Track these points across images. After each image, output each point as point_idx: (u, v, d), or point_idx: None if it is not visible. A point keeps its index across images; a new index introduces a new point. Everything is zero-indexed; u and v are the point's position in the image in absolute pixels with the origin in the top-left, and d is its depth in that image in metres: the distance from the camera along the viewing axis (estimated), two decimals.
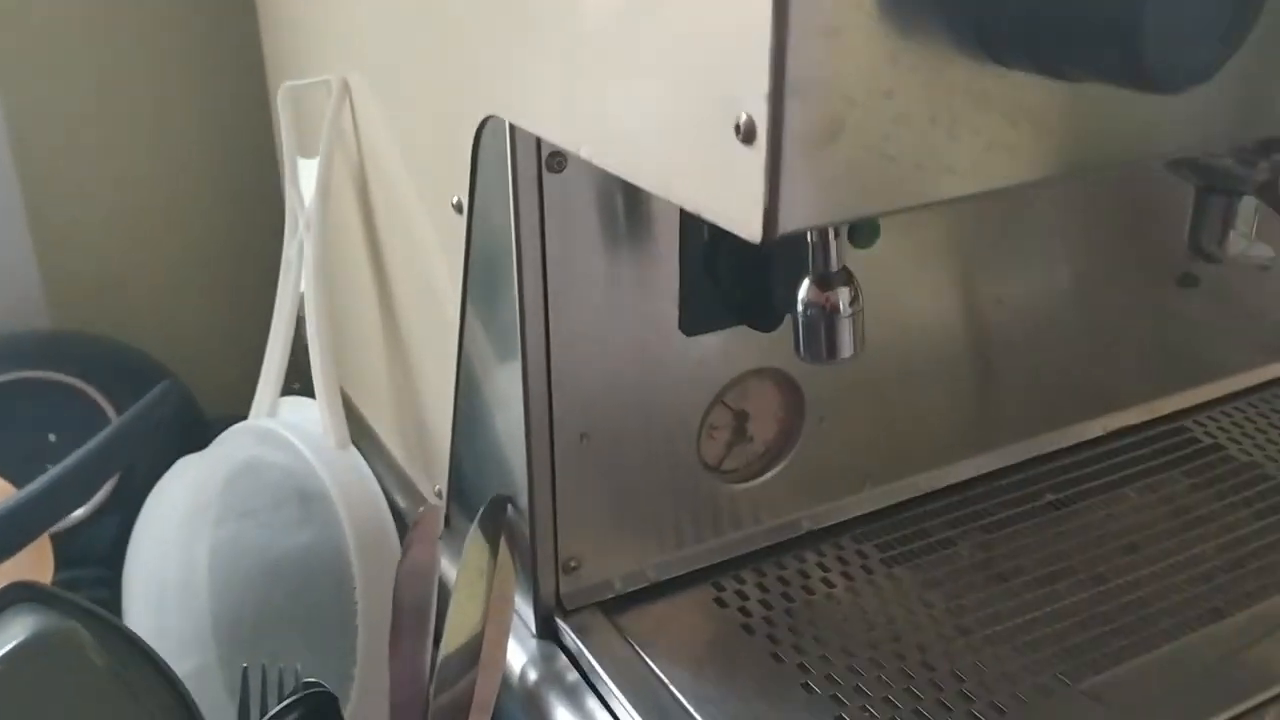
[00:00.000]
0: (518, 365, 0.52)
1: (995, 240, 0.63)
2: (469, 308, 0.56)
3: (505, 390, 0.54)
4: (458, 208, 0.53)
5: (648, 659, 0.55)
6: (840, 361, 0.47)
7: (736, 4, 0.30)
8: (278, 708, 0.49)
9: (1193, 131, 0.37)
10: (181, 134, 0.88)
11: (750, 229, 0.31)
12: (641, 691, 0.53)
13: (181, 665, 0.61)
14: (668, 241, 0.53)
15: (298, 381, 0.72)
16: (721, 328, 0.55)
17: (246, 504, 0.64)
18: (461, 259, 0.55)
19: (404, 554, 0.55)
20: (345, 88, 0.65)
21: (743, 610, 0.58)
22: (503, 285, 0.51)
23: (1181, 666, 0.54)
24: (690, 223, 0.52)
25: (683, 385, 0.56)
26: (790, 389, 0.60)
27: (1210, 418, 0.76)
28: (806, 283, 0.46)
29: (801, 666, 0.54)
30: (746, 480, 0.61)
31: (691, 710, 0.52)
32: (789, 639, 0.56)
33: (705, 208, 0.33)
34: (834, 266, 0.45)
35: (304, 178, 0.68)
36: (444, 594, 0.55)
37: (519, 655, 0.57)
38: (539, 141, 0.47)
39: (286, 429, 0.67)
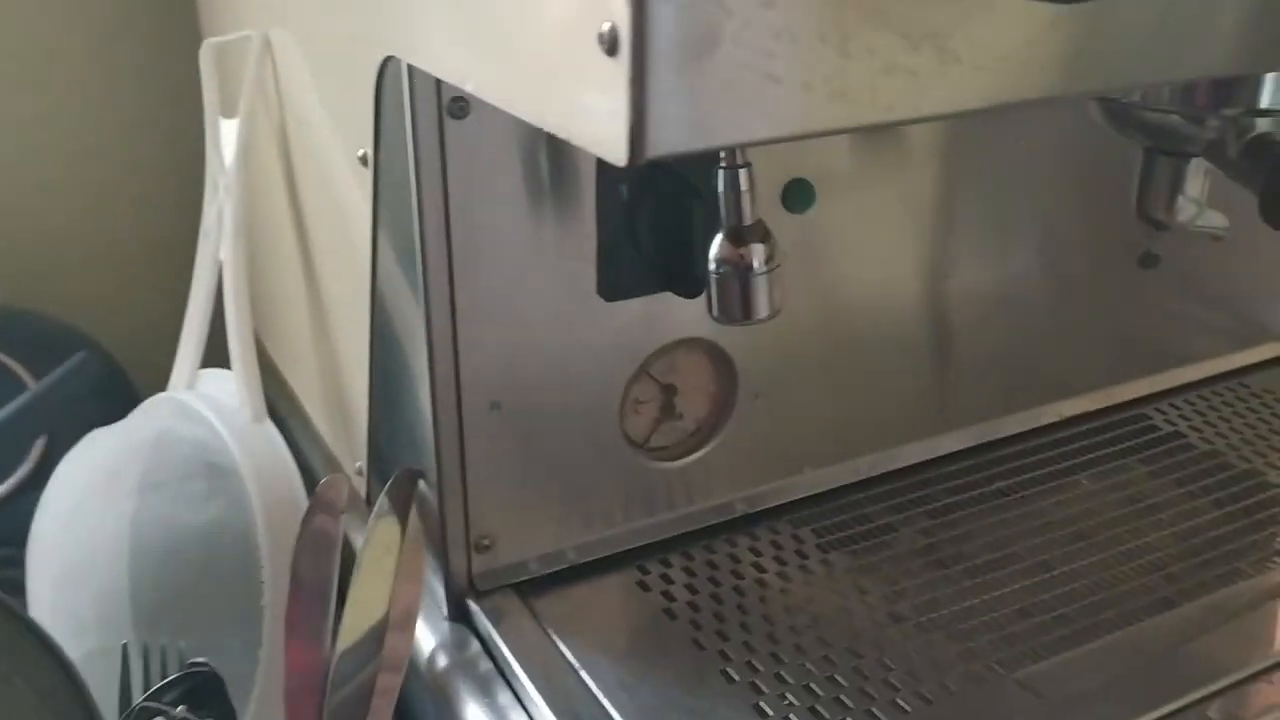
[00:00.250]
0: (423, 329, 0.49)
1: (945, 209, 0.60)
2: (379, 270, 0.53)
3: (413, 357, 0.51)
4: (363, 160, 0.50)
5: (561, 644, 0.52)
6: (755, 322, 0.44)
7: None
8: (155, 687, 0.46)
9: (1116, 67, 0.34)
10: (115, 100, 0.84)
11: (616, 152, 0.28)
12: (551, 679, 0.50)
13: (84, 644, 0.58)
14: (585, 199, 0.50)
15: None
16: (642, 293, 0.52)
17: (155, 477, 0.61)
18: (370, 217, 0.52)
19: (302, 528, 0.52)
20: (266, 44, 0.62)
21: (666, 595, 0.55)
22: (409, 244, 0.48)
23: (1123, 658, 0.51)
24: (608, 179, 0.49)
25: (604, 354, 0.53)
26: (722, 362, 0.57)
27: (1173, 405, 0.73)
28: (719, 238, 0.43)
29: (722, 654, 0.51)
30: (676, 459, 0.58)
31: (603, 699, 0.49)
32: (712, 625, 0.53)
33: (575, 132, 0.31)
34: (747, 220, 0.42)
35: (225, 139, 0.65)
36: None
37: (429, 638, 0.54)
38: (439, 85, 0.44)
39: (201, 401, 0.64)
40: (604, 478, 0.56)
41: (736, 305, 0.43)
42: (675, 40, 0.28)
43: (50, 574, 0.63)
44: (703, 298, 0.45)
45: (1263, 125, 0.47)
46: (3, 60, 0.80)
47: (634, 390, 0.55)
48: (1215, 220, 0.52)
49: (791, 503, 0.62)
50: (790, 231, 0.55)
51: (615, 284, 0.51)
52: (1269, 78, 0.44)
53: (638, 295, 0.52)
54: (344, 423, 0.65)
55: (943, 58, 0.31)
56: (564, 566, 0.56)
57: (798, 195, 0.53)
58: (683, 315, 0.54)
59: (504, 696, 0.51)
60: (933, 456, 0.66)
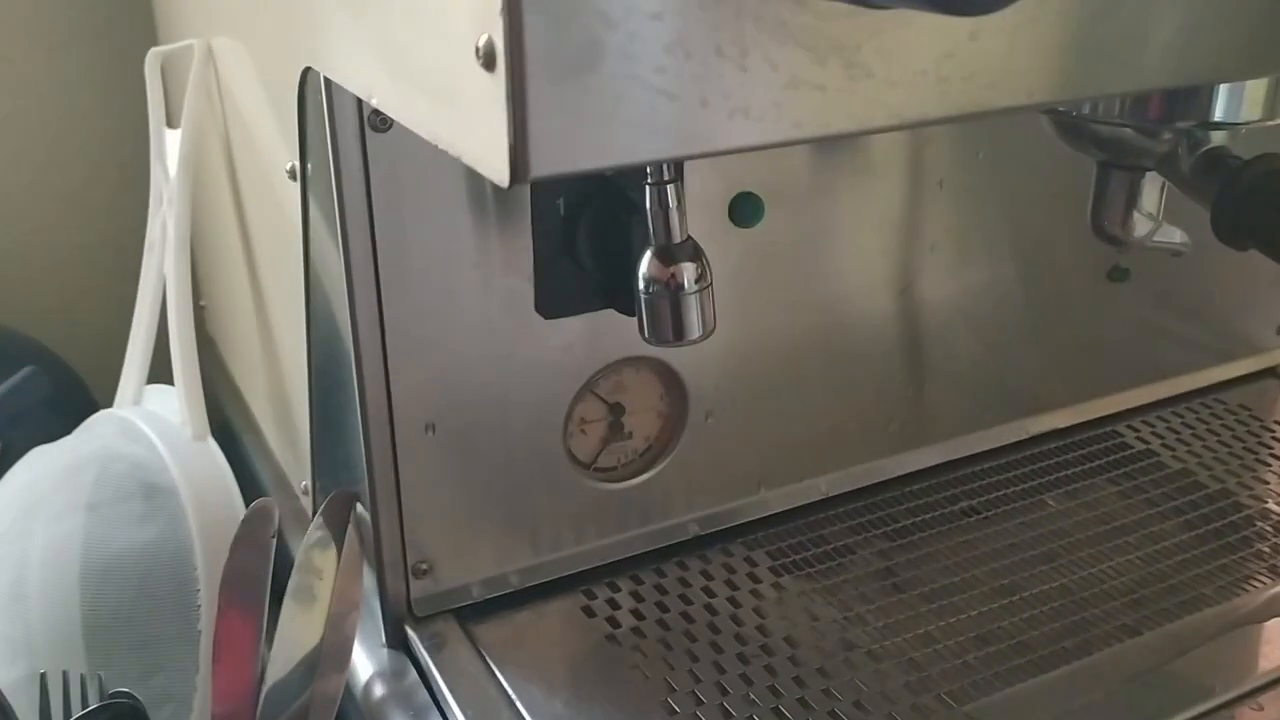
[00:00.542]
0: (351, 348, 0.47)
1: (903, 222, 0.58)
2: (312, 286, 0.52)
3: (346, 376, 0.50)
4: (291, 174, 0.49)
5: (499, 674, 0.50)
6: (688, 343, 0.42)
7: None
8: (74, 718, 0.44)
9: (1042, 81, 0.32)
10: (71, 110, 0.83)
11: (498, 171, 0.27)
12: (485, 713, 0.48)
13: (17, 668, 0.56)
14: (521, 214, 0.48)
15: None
16: (583, 311, 0.50)
17: (93, 497, 0.59)
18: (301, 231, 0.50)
19: (231, 553, 0.50)
20: (209, 53, 0.61)
21: (611, 620, 0.54)
22: (337, 260, 0.47)
23: (1080, 689, 0.49)
24: (544, 193, 0.48)
25: (545, 374, 0.51)
26: (672, 381, 0.55)
27: (1145, 422, 0.71)
28: (648, 256, 0.41)
29: (666, 682, 0.50)
30: (624, 480, 0.56)
31: None
32: (657, 652, 0.52)
33: (464, 150, 0.29)
34: (677, 238, 0.41)
35: (170, 150, 0.64)
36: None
37: (366, 665, 0.53)
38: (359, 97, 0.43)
39: (143, 419, 0.62)
40: (548, 500, 0.54)
41: (668, 326, 0.42)
42: (554, 53, 0.26)
43: None
44: None
45: (1216, 139, 0.45)
46: None
47: (579, 409, 0.54)
48: (1175, 236, 0.50)
49: (747, 524, 0.60)
50: (739, 245, 0.53)
51: (554, 301, 0.50)
52: (1223, 89, 0.42)
53: (578, 313, 0.50)
54: (291, 440, 0.63)
55: (852, 72, 0.29)
56: (507, 591, 0.54)
57: (745, 209, 0.51)
58: (629, 333, 0.52)
59: None
60: (894, 476, 0.64)
